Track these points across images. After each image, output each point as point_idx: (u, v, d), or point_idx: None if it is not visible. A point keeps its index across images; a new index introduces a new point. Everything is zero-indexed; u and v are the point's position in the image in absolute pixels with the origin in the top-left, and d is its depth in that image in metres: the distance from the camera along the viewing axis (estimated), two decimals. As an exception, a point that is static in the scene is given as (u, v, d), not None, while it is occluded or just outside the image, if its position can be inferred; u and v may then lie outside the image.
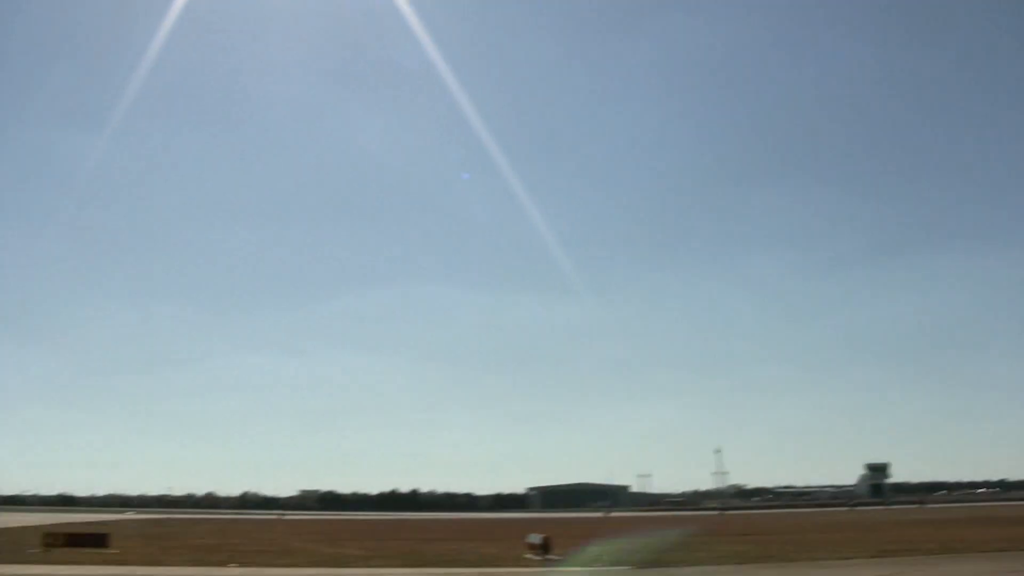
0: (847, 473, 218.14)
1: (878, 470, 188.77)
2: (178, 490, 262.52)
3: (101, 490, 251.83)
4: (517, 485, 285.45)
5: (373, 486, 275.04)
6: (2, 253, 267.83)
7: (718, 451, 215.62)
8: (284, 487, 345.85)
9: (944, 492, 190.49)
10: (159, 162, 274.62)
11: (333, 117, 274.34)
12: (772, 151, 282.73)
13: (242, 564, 28.41)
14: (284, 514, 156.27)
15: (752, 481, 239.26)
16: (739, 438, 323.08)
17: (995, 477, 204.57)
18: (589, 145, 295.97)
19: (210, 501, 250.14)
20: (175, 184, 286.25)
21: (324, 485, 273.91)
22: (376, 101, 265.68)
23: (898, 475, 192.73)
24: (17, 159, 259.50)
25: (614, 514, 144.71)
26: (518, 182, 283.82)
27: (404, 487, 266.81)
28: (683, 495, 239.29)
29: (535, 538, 31.80)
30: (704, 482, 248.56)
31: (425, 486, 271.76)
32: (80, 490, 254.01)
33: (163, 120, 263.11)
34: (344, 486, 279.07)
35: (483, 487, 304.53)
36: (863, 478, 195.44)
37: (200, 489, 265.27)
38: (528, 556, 30.66)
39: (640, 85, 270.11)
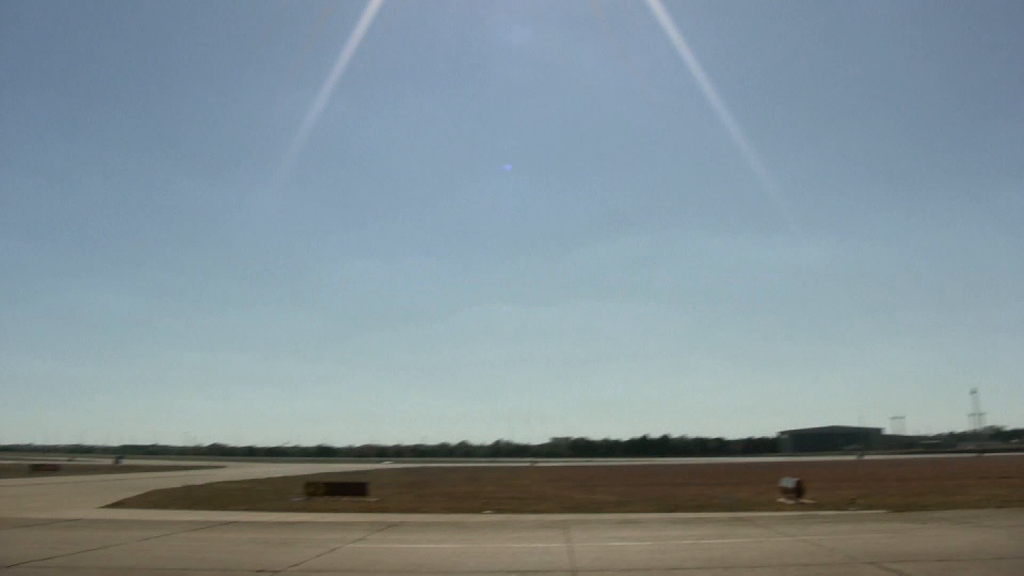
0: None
1: None
2: (432, 439, 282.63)
3: (358, 441, 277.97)
4: (768, 429, 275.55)
5: (624, 432, 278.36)
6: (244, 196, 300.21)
7: (974, 392, 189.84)
8: (536, 435, 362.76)
9: None
10: (392, 118, 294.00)
11: (565, 66, 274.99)
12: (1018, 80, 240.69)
13: (497, 510, 28.02)
14: (536, 461, 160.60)
15: (1011, 423, 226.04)
16: (996, 378, 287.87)
17: None
18: (814, 84, 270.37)
19: (463, 449, 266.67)
20: (412, 140, 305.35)
21: (575, 432, 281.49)
22: (602, 49, 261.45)
23: None
24: (246, 115, 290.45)
25: (867, 457, 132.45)
26: (739, 130, 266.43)
27: (655, 433, 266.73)
28: (938, 437, 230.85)
29: (788, 482, 31.03)
30: (960, 424, 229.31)
31: (676, 432, 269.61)
32: (338, 441, 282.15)
33: (389, 77, 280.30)
34: (595, 433, 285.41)
35: (734, 432, 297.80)
36: None
37: (453, 438, 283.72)
38: (781, 500, 29.82)
39: (875, 18, 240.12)
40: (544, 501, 32.97)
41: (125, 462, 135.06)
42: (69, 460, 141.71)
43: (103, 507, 29.90)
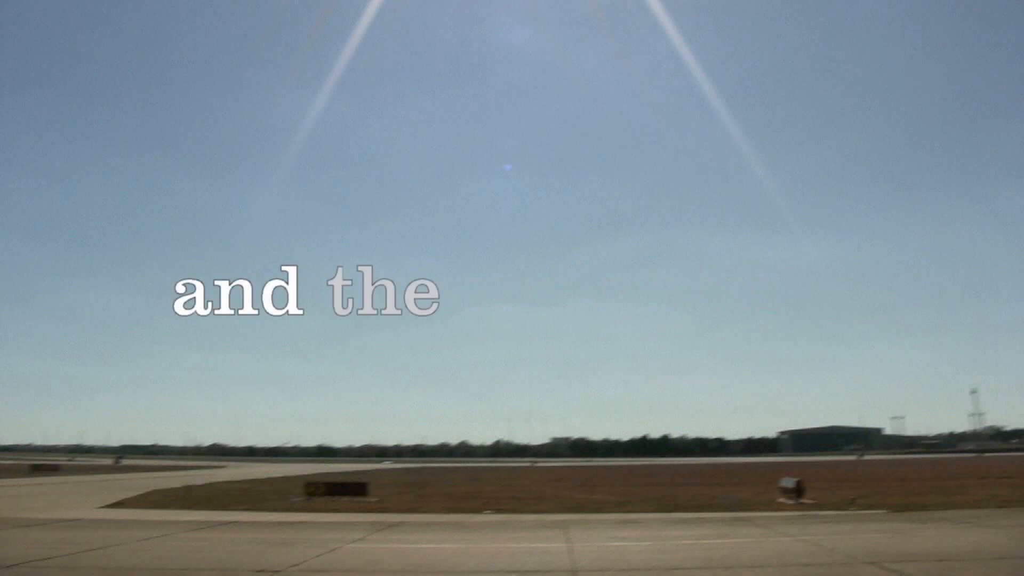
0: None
1: None
2: (432, 439, 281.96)
3: (358, 441, 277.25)
4: (768, 429, 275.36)
5: (624, 432, 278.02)
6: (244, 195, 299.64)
7: (974, 392, 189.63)
8: (535, 435, 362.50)
9: None
10: (392, 118, 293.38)
11: (565, 66, 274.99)
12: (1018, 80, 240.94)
13: (497, 510, 27.99)
14: (536, 461, 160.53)
15: (1011, 423, 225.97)
16: (996, 378, 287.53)
17: None
18: (814, 84, 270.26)
19: (463, 449, 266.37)
20: (412, 140, 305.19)
21: (575, 432, 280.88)
22: (602, 49, 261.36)
23: None
24: (246, 115, 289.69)
25: (867, 457, 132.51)
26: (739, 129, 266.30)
27: (654, 433, 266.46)
28: (938, 437, 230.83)
29: (788, 482, 30.98)
30: (960, 424, 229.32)
31: (675, 432, 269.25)
32: (338, 441, 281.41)
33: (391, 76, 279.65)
34: (595, 433, 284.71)
35: (734, 432, 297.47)
36: None
37: (453, 438, 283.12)
38: (781, 500, 29.76)
39: (875, 18, 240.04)
40: (544, 501, 32.94)
41: (125, 462, 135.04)
42: (69, 460, 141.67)
43: (103, 507, 29.90)
